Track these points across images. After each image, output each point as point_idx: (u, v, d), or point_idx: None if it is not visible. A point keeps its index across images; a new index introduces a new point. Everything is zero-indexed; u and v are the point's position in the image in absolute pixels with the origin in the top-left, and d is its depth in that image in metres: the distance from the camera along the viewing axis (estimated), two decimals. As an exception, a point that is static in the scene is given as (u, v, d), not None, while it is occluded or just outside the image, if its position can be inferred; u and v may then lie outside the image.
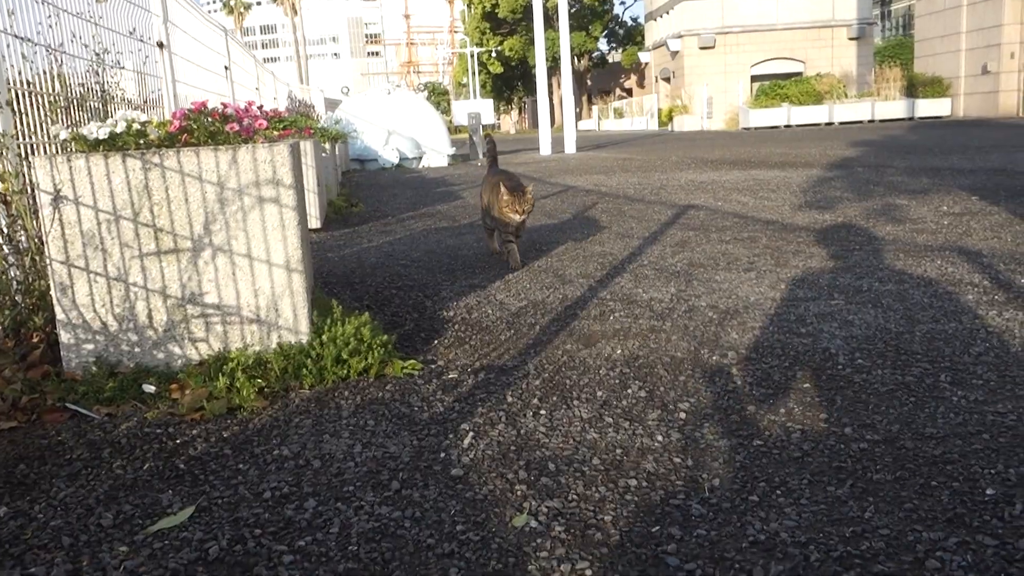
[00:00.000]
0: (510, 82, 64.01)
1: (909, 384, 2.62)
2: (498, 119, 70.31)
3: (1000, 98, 26.95)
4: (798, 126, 28.52)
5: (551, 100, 25.81)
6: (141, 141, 2.91)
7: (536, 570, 1.70)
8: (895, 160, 10.86)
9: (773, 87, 31.31)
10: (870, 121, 24.79)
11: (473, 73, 60.96)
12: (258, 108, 3.38)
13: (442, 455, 2.28)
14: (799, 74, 34.82)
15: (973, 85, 28.28)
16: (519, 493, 2.03)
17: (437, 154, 15.64)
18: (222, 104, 3.10)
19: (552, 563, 1.72)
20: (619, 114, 50.55)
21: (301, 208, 3.03)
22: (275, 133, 4.38)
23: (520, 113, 73.29)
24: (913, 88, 29.30)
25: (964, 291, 3.77)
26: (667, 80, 43.14)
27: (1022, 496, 1.87)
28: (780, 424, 2.37)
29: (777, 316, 3.52)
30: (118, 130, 2.83)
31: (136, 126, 2.87)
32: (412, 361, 3.05)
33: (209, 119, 2.97)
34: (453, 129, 26.70)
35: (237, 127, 2.94)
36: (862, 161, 10.95)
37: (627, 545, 1.78)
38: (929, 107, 28.71)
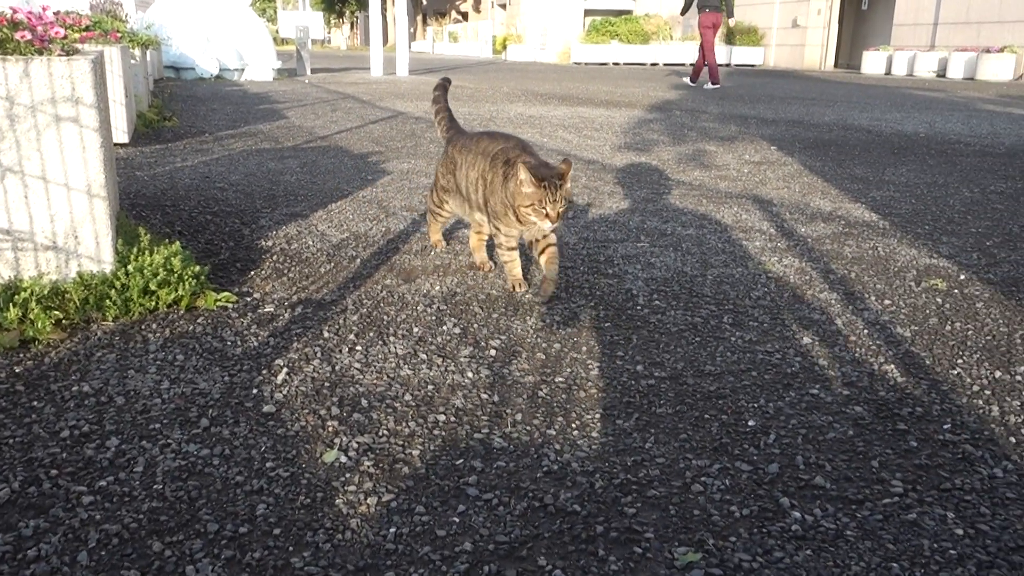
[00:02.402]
0: (342, -6, 61.05)
1: (696, 325, 2.89)
2: (328, 34, 67.10)
3: (806, 51, 28.98)
4: (626, 64, 29.31)
5: (384, 18, 24.94)
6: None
7: (343, 504, 1.77)
8: (710, 106, 11.51)
9: (604, 23, 31.91)
10: (691, 64, 25.97)
11: (303, -20, 57.46)
12: (54, 14, 3.08)
13: (254, 391, 2.28)
14: (630, 12, 35.66)
15: (784, 37, 30.18)
16: (331, 429, 2.09)
17: (261, 67, 14.80)
18: (11, 8, 2.80)
19: (359, 496, 1.80)
20: (454, 38, 49.74)
21: (105, 129, 2.83)
22: (76, 36, 4.01)
23: (352, 29, 70.30)
24: (732, 35, 30.86)
25: (753, 238, 4.15)
26: (503, 7, 42.81)
27: (776, 427, 2.16)
28: (581, 362, 2.56)
29: (588, 257, 3.72)
30: None
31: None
32: (226, 293, 2.98)
33: (-6, 24, 2.69)
34: (279, 41, 25.24)
35: (29, 36, 2.68)
36: (681, 105, 11.52)
37: (432, 477, 1.89)
38: (745, 55, 30.40)
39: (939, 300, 3.19)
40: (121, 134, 6.15)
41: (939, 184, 5.70)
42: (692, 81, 15.78)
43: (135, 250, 2.90)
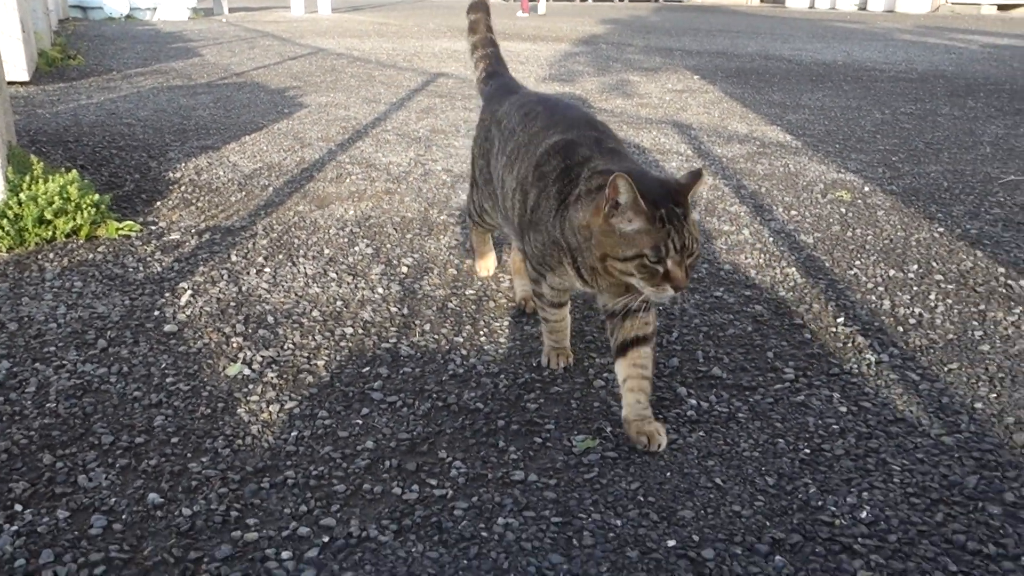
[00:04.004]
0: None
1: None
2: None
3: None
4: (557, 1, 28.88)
5: (306, -45, 23.96)
6: None
7: (245, 412, 1.76)
8: (636, 39, 11.48)
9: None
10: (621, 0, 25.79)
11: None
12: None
13: (156, 313, 2.23)
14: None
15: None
16: (235, 345, 2.06)
17: (174, 6, 14.15)
18: None
19: (262, 405, 1.79)
20: (381, -24, 48.27)
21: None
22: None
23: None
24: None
25: (670, 159, 4.19)
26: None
27: (679, 327, 2.21)
28: (493, 275, 2.56)
29: (506, 179, 3.71)
30: None
31: None
32: (129, 223, 2.89)
33: None
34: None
35: None
36: (607, 39, 11.45)
37: (336, 384, 1.89)
38: (674, -9, 30.27)
39: (843, 210, 3.29)
40: (19, 71, 5.83)
41: (852, 107, 5.82)
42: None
43: (27, 179, 2.77)
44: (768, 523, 1.43)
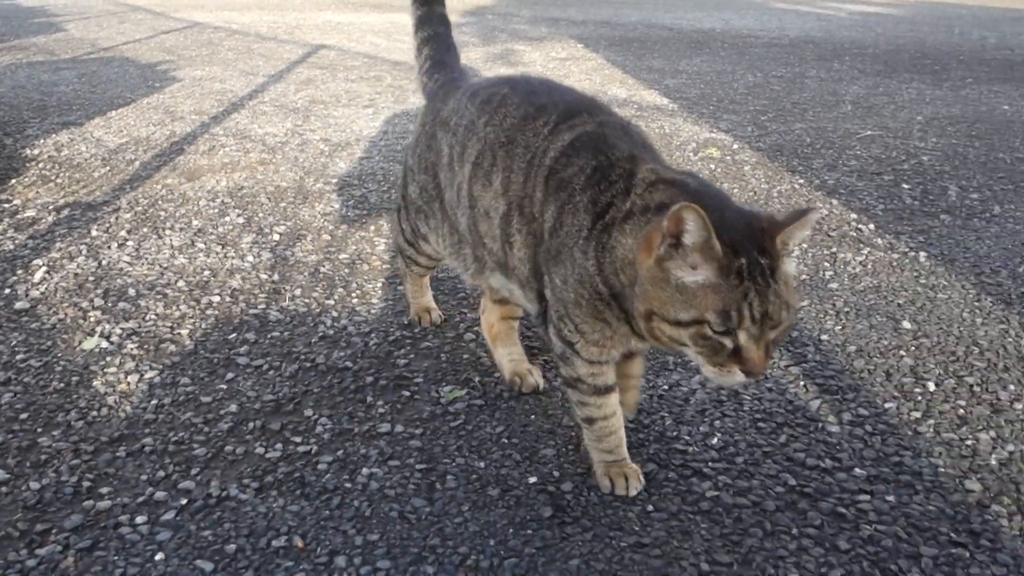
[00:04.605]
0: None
1: (486, 200, 2.94)
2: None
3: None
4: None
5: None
6: None
7: (102, 384, 1.70)
8: (523, 10, 11.50)
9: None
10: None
11: None
12: None
13: (7, 291, 2.12)
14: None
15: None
16: (93, 319, 1.98)
17: (36, -20, 13.26)
18: None
19: (120, 376, 1.73)
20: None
21: None
22: None
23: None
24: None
25: (551, 124, 4.23)
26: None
27: (550, 280, 2.26)
28: (368, 239, 2.55)
29: (386, 148, 3.68)
30: None
31: None
32: (-23, 201, 2.72)
33: None
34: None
35: None
36: (494, 10, 11.43)
37: (200, 352, 1.84)
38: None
39: (712, 166, 3.41)
40: None
41: (727, 72, 6.02)
42: None
43: None
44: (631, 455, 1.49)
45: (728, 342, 1.05)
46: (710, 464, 1.46)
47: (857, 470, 1.44)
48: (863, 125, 4.19)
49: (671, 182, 1.17)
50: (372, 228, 2.64)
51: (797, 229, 1.08)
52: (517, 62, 6.48)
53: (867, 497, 1.38)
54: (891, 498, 1.37)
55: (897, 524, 1.31)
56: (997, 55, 6.59)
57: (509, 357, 1.72)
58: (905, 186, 3.14)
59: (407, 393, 1.69)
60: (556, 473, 1.44)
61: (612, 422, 1.36)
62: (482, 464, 1.46)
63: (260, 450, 1.49)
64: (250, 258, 2.38)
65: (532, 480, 1.42)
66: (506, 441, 1.53)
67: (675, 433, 1.55)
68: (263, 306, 2.07)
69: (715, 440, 1.53)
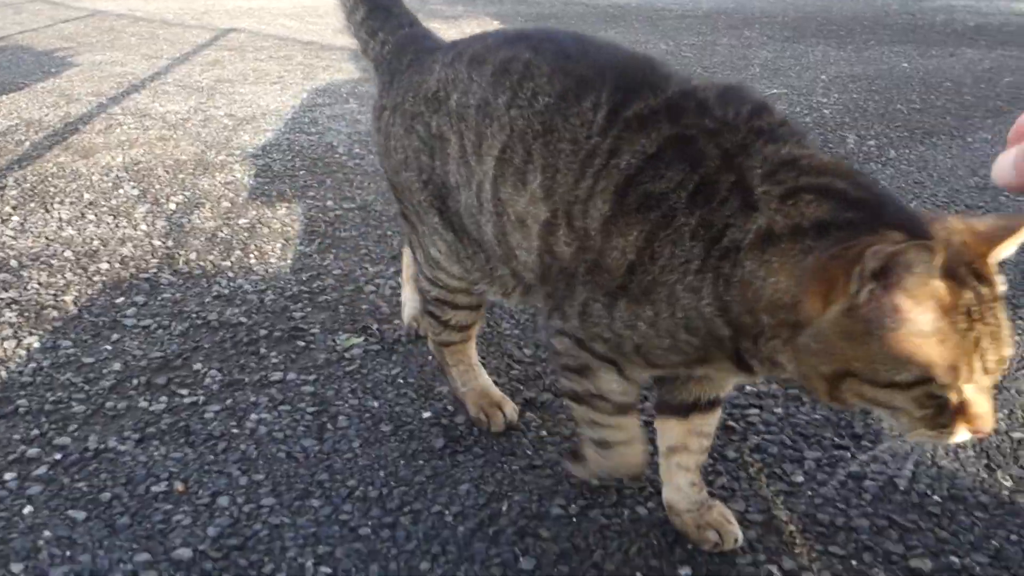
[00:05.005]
0: None
1: (393, 164, 2.90)
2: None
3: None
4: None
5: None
6: None
7: (-25, 352, 1.62)
8: (441, -8, 11.41)
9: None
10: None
11: None
12: None
13: None
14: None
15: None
16: (-32, 291, 1.88)
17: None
18: None
19: (-5, 343, 1.65)
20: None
21: None
22: None
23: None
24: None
25: (463, 93, 4.20)
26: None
27: (455, 233, 2.24)
28: (269, 204, 2.48)
29: (292, 120, 3.60)
30: None
31: None
32: None
33: None
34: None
35: None
36: (411, -7, 11.30)
37: (85, 316, 1.77)
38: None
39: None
40: None
41: (641, 42, 6.07)
42: None
43: None
44: (522, 387, 1.48)
45: (953, 396, 0.81)
46: (605, 390, 1.46)
47: (748, 387, 1.47)
48: (770, 85, 4.27)
49: (820, 190, 0.86)
50: (274, 194, 2.57)
51: (1011, 244, 0.81)
52: (432, 39, 6.41)
53: (756, 411, 1.40)
54: (779, 410, 1.39)
55: (784, 433, 1.34)
56: (899, 19, 6.80)
57: (413, 302, 1.58)
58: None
59: (302, 343, 1.65)
60: (450, 408, 1.42)
61: (636, 447, 1.12)
62: (376, 404, 1.43)
63: (144, 404, 1.44)
64: (144, 227, 2.29)
65: (426, 415, 1.40)
66: (402, 381, 1.51)
67: (572, 364, 1.55)
68: (155, 271, 2.00)
69: (611, 368, 1.53)
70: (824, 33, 6.15)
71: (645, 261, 0.93)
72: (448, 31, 6.76)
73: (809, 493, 1.20)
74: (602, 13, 8.13)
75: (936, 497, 1.18)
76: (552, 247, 1.03)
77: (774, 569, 1.07)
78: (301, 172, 2.81)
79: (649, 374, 1.06)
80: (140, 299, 1.85)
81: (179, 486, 1.22)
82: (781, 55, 5.33)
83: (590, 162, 0.99)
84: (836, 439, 1.32)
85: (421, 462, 1.28)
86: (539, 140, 1.04)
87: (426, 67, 1.23)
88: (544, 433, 1.35)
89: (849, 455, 1.28)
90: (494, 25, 7.34)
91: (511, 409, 1.38)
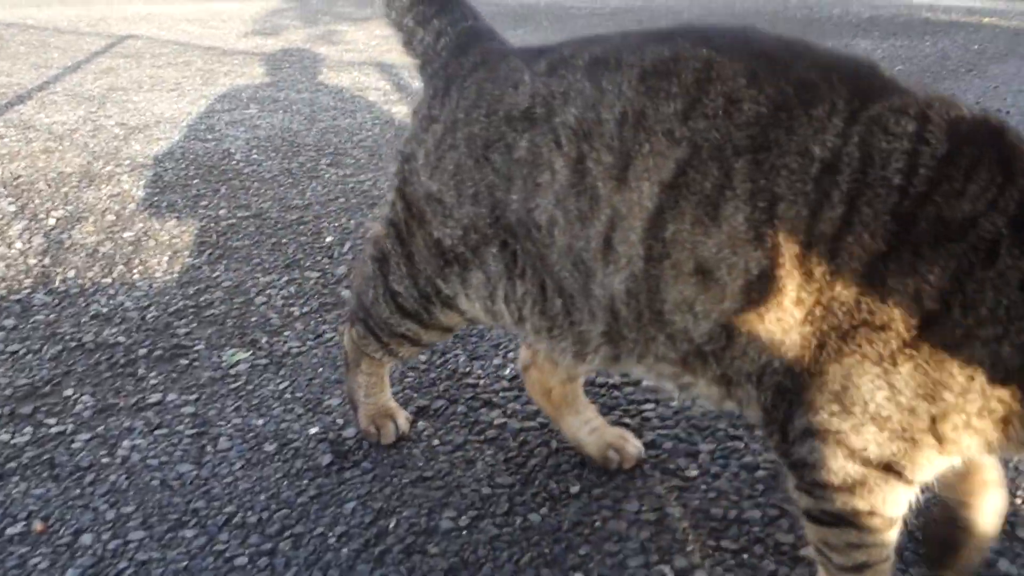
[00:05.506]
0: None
1: (292, 170, 2.81)
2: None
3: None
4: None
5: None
6: None
7: None
8: (351, -6, 11.25)
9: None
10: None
11: None
12: None
13: None
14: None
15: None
16: None
17: None
18: None
19: None
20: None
21: None
22: None
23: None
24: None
25: (368, 95, 4.12)
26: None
27: (352, 239, 2.17)
28: (157, 215, 2.37)
29: (188, 127, 3.46)
30: None
31: None
32: None
33: None
34: None
35: None
36: (321, -5, 11.12)
37: (-56, 345, 1.64)
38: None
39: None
40: None
41: (548, 39, 6.05)
42: None
43: None
44: (415, 395, 1.43)
45: None
46: (501, 394, 1.43)
47: (644, 382, 1.45)
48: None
49: None
50: (164, 205, 2.46)
51: None
52: (339, 41, 6.31)
53: (652, 405, 1.38)
54: (674, 404, 1.38)
55: (679, 427, 1.32)
56: (798, 13, 6.99)
57: (589, 427, 1.24)
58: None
59: (185, 361, 1.57)
60: (340, 421, 1.36)
61: (890, 564, 0.90)
62: (260, 421, 1.36)
63: (5, 437, 1.33)
64: (19, 244, 2.16)
65: (313, 431, 1.34)
66: (289, 396, 1.44)
67: (468, 369, 1.51)
68: (28, 291, 1.88)
69: (508, 371, 1.50)
70: (727, 28, 6.28)
71: (955, 310, 0.73)
72: (355, 32, 6.66)
73: (703, 487, 1.19)
74: (511, 12, 8.14)
75: (826, 484, 1.18)
76: (764, 313, 0.80)
77: (666, 569, 1.04)
78: (195, 181, 2.69)
79: (944, 462, 0.83)
80: (10, 322, 1.73)
81: (38, 525, 1.13)
82: (686, 50, 5.40)
83: (834, 183, 0.77)
84: (731, 430, 1.31)
85: (305, 481, 1.22)
86: (744, 159, 0.81)
87: (504, 76, 1.00)
88: (436, 442, 1.30)
89: (743, 445, 1.27)
90: (403, 26, 7.25)
91: (403, 419, 1.30)
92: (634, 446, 1.23)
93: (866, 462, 0.81)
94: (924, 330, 0.74)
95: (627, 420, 1.35)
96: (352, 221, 2.30)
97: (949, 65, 4.40)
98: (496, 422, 1.35)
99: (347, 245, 2.13)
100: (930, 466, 0.82)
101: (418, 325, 1.14)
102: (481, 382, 1.46)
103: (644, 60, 0.90)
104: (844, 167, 0.77)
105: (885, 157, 0.76)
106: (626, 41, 0.96)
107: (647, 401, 1.40)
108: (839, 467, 0.82)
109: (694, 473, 1.22)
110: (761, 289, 0.80)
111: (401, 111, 3.70)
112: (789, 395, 0.83)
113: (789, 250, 0.78)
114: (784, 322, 0.80)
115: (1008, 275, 0.71)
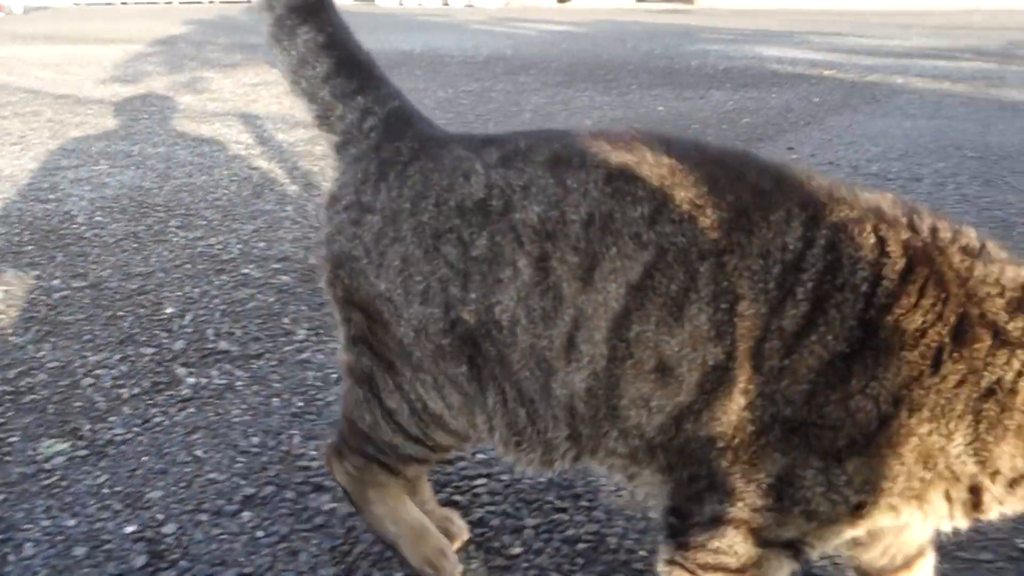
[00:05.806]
0: None
1: (138, 233, 2.71)
2: None
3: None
4: (135, 4, 26.96)
5: None
6: None
7: None
8: (220, 37, 11.02)
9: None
10: (211, 1, 24.67)
11: None
12: None
13: None
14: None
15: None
16: None
17: None
18: None
19: None
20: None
21: None
22: None
23: None
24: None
25: (229, 148, 4.04)
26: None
27: (195, 309, 2.11)
28: None
29: (28, 186, 3.29)
30: None
31: None
32: None
33: None
34: None
35: None
36: (188, 38, 10.84)
37: None
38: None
39: (388, 178, 3.42)
40: None
41: (420, 89, 6.14)
42: None
43: None
44: (243, 482, 1.40)
45: None
46: (330, 478, 1.40)
47: (479, 455, 1.46)
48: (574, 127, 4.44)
49: None
50: (-9, 276, 2.32)
51: None
52: (204, 89, 6.16)
53: (484, 480, 1.40)
54: (505, 477, 1.40)
55: (507, 502, 1.34)
56: (659, 63, 7.33)
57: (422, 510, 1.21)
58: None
59: (-5, 458, 1.47)
60: (160, 516, 1.31)
61: None
62: (72, 522, 1.29)
63: None
64: None
65: (129, 529, 1.28)
66: (107, 491, 1.37)
67: (302, 451, 1.49)
68: None
69: (342, 450, 1.48)
70: (593, 78, 6.52)
71: (903, 412, 0.80)
72: (222, 80, 6.53)
73: (525, 565, 1.20)
74: (385, 59, 8.09)
75: (642, 552, 1.22)
76: (713, 405, 0.85)
77: (483, 656, 1.05)
78: (29, 247, 2.56)
79: (848, 537, 0.90)
80: None
81: None
82: (552, 100, 5.57)
83: (798, 281, 0.83)
84: (557, 502, 1.34)
85: (114, 587, 1.16)
86: (708, 262, 0.86)
87: (450, 166, 0.99)
88: (261, 534, 1.27)
89: (568, 517, 1.30)
90: (272, 72, 7.17)
91: (458, 525, 1.22)
92: (459, 527, 1.23)
93: (772, 544, 0.86)
94: (876, 430, 0.80)
95: (457, 497, 1.36)
96: (196, 289, 2.23)
97: (791, 117, 4.71)
98: (325, 507, 1.33)
99: (188, 316, 2.06)
100: (836, 541, 0.88)
101: (424, 448, 1.08)
102: (314, 464, 1.44)
103: (604, 162, 0.92)
104: (808, 268, 0.83)
105: (853, 264, 0.83)
106: (579, 139, 0.97)
107: (479, 476, 1.41)
108: (745, 551, 0.86)
109: (518, 551, 1.23)
110: (714, 380, 0.85)
111: (262, 166, 3.64)
112: (705, 480, 0.87)
113: (744, 343, 0.84)
114: (729, 410, 0.84)
115: (948, 378, 0.79)
